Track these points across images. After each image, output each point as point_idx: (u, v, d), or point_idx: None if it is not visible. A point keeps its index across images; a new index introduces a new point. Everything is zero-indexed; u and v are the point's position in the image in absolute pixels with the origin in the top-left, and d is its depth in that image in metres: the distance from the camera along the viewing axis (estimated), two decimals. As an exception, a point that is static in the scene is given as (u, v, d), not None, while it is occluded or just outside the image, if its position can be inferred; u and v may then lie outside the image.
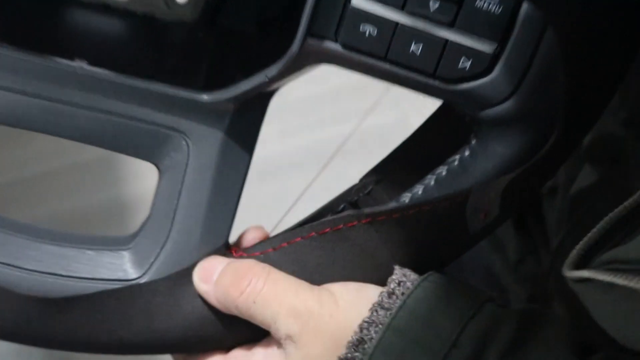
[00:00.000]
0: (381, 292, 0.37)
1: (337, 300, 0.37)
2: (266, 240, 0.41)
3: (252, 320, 0.38)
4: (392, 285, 0.37)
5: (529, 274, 0.60)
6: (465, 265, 0.62)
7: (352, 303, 0.37)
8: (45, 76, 0.38)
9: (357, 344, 0.36)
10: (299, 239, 0.39)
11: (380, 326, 0.36)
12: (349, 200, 0.42)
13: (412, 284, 0.37)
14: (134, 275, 0.39)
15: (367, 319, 0.36)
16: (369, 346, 0.36)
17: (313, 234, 0.39)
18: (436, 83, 0.36)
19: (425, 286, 0.37)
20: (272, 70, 0.37)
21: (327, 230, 0.39)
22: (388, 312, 0.36)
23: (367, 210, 0.38)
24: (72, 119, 0.39)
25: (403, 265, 0.39)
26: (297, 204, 0.50)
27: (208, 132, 0.39)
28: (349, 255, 0.39)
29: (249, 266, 0.39)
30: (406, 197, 0.40)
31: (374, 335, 0.36)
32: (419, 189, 0.39)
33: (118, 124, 0.39)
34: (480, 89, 0.35)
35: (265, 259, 0.40)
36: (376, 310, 0.36)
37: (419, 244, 0.39)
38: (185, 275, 0.39)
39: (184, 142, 0.39)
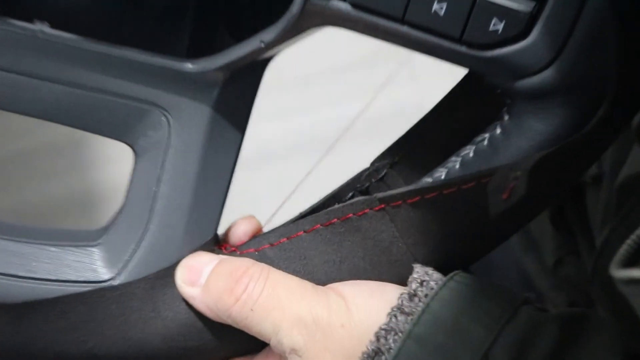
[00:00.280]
0: (401, 294, 0.37)
1: (349, 304, 0.37)
2: (262, 234, 0.41)
3: (249, 331, 0.38)
4: (413, 286, 0.37)
5: (568, 278, 0.61)
6: (494, 268, 0.62)
7: (366, 307, 0.37)
8: None
9: (374, 355, 0.36)
10: (301, 233, 0.39)
11: (400, 334, 0.36)
12: (359, 187, 0.42)
13: (436, 284, 0.37)
14: (105, 276, 0.39)
15: (384, 326, 0.36)
16: (386, 357, 0.35)
17: (318, 226, 0.39)
18: (463, 49, 0.36)
19: (451, 287, 0.37)
20: (268, 35, 0.37)
21: (334, 220, 0.39)
22: (409, 318, 0.36)
23: (379, 195, 0.38)
24: (32, 92, 0.38)
25: (422, 261, 0.38)
26: (295, 193, 0.50)
27: (192, 107, 0.39)
28: (360, 250, 0.39)
29: (245, 266, 0.38)
30: (426, 183, 0.39)
31: (392, 344, 0.36)
32: (441, 173, 0.39)
33: (86, 98, 0.39)
34: (515, 56, 0.35)
35: (261, 257, 0.39)
36: (395, 316, 0.36)
37: (440, 235, 0.38)
38: (166, 275, 0.39)
39: (163, 119, 0.39)
